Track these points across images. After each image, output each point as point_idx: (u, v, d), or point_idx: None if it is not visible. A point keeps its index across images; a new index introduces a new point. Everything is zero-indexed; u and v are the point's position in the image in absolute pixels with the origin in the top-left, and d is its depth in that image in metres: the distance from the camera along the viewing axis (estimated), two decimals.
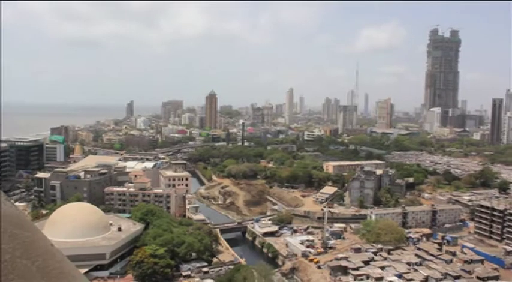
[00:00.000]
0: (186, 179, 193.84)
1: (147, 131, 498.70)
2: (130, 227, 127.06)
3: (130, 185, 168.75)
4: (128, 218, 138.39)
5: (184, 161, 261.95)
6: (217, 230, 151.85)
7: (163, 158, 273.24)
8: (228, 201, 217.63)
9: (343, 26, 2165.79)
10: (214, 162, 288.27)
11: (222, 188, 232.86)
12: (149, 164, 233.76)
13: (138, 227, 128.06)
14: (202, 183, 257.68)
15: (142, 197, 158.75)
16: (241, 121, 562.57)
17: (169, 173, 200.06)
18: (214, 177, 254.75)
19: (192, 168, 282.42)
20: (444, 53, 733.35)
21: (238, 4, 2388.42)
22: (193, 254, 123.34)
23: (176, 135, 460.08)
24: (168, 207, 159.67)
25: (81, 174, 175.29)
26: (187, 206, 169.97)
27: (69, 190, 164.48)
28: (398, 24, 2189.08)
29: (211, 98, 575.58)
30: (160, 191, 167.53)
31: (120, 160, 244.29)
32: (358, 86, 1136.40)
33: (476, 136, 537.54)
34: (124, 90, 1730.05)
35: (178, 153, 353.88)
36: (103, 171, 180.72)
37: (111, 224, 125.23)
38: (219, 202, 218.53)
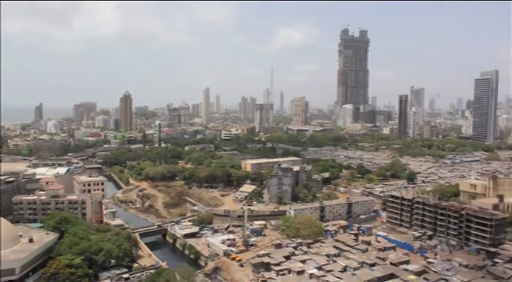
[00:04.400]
0: (102, 184, 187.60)
1: (59, 135, 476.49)
2: (43, 237, 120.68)
3: (41, 192, 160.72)
4: (40, 227, 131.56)
5: (99, 165, 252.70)
6: (137, 234, 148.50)
7: (77, 163, 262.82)
8: (146, 204, 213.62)
9: (259, 25, 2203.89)
10: (131, 165, 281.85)
11: (140, 191, 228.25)
12: (62, 170, 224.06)
13: (52, 236, 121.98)
14: (119, 187, 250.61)
15: (55, 204, 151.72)
16: (157, 122, 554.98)
17: (84, 178, 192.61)
18: (131, 181, 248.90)
19: (108, 172, 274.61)
20: (354, 52, 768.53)
21: (155, 3, 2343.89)
22: (113, 261, 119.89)
23: (90, 138, 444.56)
24: (84, 214, 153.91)
25: None
26: (104, 212, 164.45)
27: None
28: (312, 24, 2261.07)
29: (126, 99, 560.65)
30: (75, 197, 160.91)
31: (29, 167, 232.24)
32: (274, 84, 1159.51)
33: (386, 130, 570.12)
34: (32, 92, 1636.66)
35: (93, 157, 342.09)
36: (10, 179, 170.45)
37: (20, 236, 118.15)
38: (137, 206, 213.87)
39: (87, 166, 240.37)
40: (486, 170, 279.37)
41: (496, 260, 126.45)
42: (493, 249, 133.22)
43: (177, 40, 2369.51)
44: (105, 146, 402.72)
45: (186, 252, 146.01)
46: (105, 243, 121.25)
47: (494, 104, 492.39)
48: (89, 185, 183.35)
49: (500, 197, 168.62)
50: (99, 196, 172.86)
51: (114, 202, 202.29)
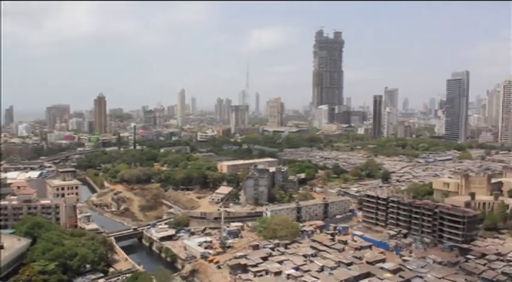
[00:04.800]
0: (76, 188, 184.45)
1: (30, 138, 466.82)
2: (15, 244, 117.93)
3: (12, 197, 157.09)
4: (12, 233, 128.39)
5: (73, 169, 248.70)
6: (112, 238, 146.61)
7: (50, 167, 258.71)
8: (122, 207, 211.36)
9: (236, 26, 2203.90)
10: (106, 168, 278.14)
11: (115, 194, 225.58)
12: (34, 174, 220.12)
13: (24, 242, 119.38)
14: (93, 190, 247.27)
15: (27, 209, 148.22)
16: (132, 124, 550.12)
17: (57, 182, 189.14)
18: (106, 184, 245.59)
19: (82, 175, 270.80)
20: (329, 53, 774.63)
21: (131, 3, 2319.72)
22: (88, 266, 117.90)
23: (63, 141, 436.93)
24: (58, 219, 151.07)
25: None
26: (79, 216, 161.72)
27: None
28: (288, 25, 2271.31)
29: (100, 101, 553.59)
30: (48, 201, 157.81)
31: None
32: (250, 86, 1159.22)
33: (361, 131, 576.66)
34: (2, 95, 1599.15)
35: (66, 160, 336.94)
36: None
37: None
38: (113, 209, 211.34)
39: (60, 170, 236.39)
40: (458, 169, 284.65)
41: (468, 256, 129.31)
42: (465, 246, 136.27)
43: (151, 41, 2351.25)
44: (79, 149, 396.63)
45: (163, 255, 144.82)
46: (80, 248, 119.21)
47: (465, 104, 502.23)
48: (63, 189, 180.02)
49: (472, 195, 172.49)
50: (73, 200, 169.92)
51: (88, 206, 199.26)
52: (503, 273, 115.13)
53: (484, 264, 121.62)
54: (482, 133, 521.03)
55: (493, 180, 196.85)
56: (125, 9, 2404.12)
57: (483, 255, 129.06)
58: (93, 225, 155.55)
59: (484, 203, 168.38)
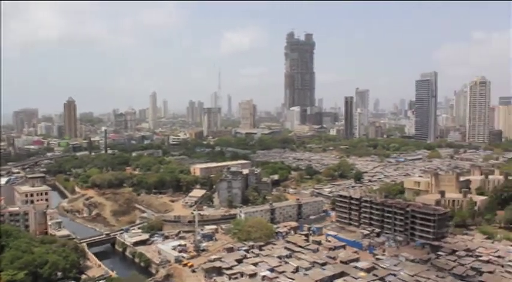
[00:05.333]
0: (46, 194, 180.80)
1: None
2: None
3: None
4: None
5: (42, 174, 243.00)
6: (84, 244, 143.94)
7: (18, 173, 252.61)
8: (94, 213, 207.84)
9: (208, 28, 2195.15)
10: (77, 173, 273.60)
11: (87, 199, 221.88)
12: (1, 180, 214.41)
13: None
14: (64, 196, 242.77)
15: None
16: (103, 128, 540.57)
17: (26, 188, 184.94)
18: (77, 189, 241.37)
19: (52, 181, 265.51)
20: (300, 55, 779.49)
21: (99, 6, 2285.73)
22: (59, 274, 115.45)
23: (32, 146, 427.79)
24: (27, 226, 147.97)
25: None
26: (49, 223, 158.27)
27: None
28: (260, 27, 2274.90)
29: (70, 105, 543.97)
30: (16, 208, 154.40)
31: None
32: (222, 88, 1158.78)
33: (333, 132, 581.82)
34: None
35: (35, 166, 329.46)
36: None
37: None
38: (85, 215, 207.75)
39: (29, 176, 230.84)
40: (428, 168, 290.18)
41: (439, 252, 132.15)
42: (436, 243, 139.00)
43: (123, 43, 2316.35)
44: (49, 154, 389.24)
45: (137, 260, 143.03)
46: (51, 255, 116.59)
47: (434, 104, 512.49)
48: (32, 195, 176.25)
49: (442, 193, 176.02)
50: (43, 206, 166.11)
51: (59, 212, 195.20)
52: (472, 268, 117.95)
53: (454, 261, 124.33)
54: (451, 132, 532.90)
55: (462, 178, 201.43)
56: (94, 11, 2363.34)
57: (453, 251, 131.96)
58: (64, 232, 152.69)
59: (454, 201, 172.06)
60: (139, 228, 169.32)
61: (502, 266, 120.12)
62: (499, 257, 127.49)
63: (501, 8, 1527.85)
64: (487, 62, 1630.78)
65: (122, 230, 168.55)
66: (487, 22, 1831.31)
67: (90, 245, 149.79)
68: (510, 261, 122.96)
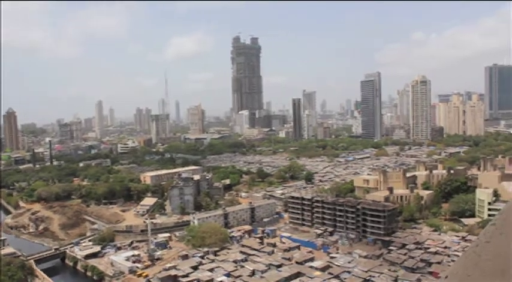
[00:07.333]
0: None
1: None
2: None
3: None
4: None
5: None
6: (32, 261, 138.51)
7: None
8: (41, 227, 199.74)
9: (153, 34, 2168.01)
10: (21, 186, 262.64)
11: (33, 214, 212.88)
12: None
13: None
14: (7, 212, 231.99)
15: None
16: (47, 139, 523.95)
17: None
18: (22, 204, 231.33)
19: None
20: (247, 58, 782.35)
21: (42, 13, 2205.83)
22: None
23: None
24: None
25: None
26: None
27: None
28: (206, 32, 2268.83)
29: (10, 117, 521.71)
30: None
31: None
32: (169, 94, 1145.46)
33: (282, 134, 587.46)
34: None
35: None
36: None
37: None
38: (31, 230, 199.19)
39: None
40: (376, 166, 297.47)
41: (390, 247, 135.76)
42: (387, 238, 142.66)
43: (67, 52, 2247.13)
44: None
45: (89, 274, 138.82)
46: None
47: (379, 104, 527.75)
48: None
49: (390, 189, 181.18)
50: None
51: (3, 229, 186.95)
52: (422, 260, 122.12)
53: (405, 254, 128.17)
54: (396, 130, 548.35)
55: (408, 175, 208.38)
56: (35, 19, 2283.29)
57: (403, 245, 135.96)
58: (9, 249, 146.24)
59: (402, 196, 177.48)
60: (90, 240, 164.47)
61: (449, 256, 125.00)
62: (445, 247, 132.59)
63: (437, 9, 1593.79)
64: (426, 62, 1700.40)
65: (71, 243, 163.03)
66: (425, 23, 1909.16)
67: (38, 261, 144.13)
68: (455, 251, 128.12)
